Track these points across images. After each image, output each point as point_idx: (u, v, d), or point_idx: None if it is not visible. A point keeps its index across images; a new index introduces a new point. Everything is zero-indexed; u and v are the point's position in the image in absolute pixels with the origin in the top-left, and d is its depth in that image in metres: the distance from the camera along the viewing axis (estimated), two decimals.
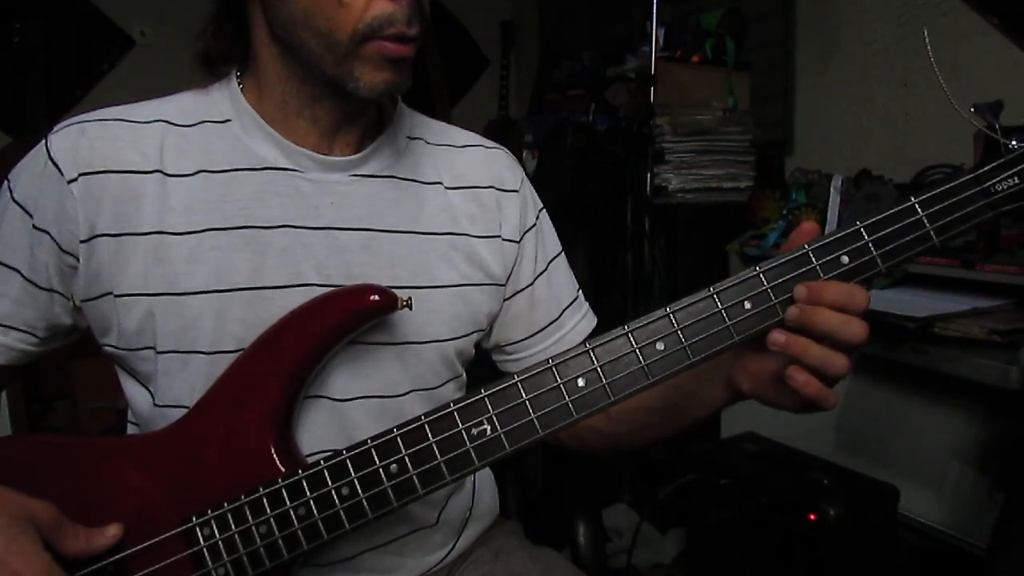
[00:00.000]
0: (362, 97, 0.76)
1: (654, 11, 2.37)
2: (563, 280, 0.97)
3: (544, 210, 0.97)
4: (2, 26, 2.88)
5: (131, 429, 0.89)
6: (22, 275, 0.79)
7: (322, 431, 0.80)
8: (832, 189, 2.06)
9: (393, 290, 0.77)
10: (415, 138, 0.90)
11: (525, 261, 0.92)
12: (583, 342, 0.69)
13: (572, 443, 0.95)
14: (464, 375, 0.93)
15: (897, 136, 2.32)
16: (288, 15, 0.73)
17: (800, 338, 0.66)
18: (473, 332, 0.89)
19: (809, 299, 0.66)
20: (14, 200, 0.78)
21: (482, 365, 0.97)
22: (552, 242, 0.97)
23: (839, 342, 0.65)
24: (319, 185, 0.81)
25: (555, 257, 0.96)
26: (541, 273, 0.94)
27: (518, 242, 0.91)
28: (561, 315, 0.95)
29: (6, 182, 0.80)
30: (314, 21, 0.72)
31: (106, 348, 0.81)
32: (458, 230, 0.87)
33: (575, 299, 0.98)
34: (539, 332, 0.94)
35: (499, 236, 0.90)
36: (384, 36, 0.72)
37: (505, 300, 0.92)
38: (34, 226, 0.77)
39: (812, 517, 1.55)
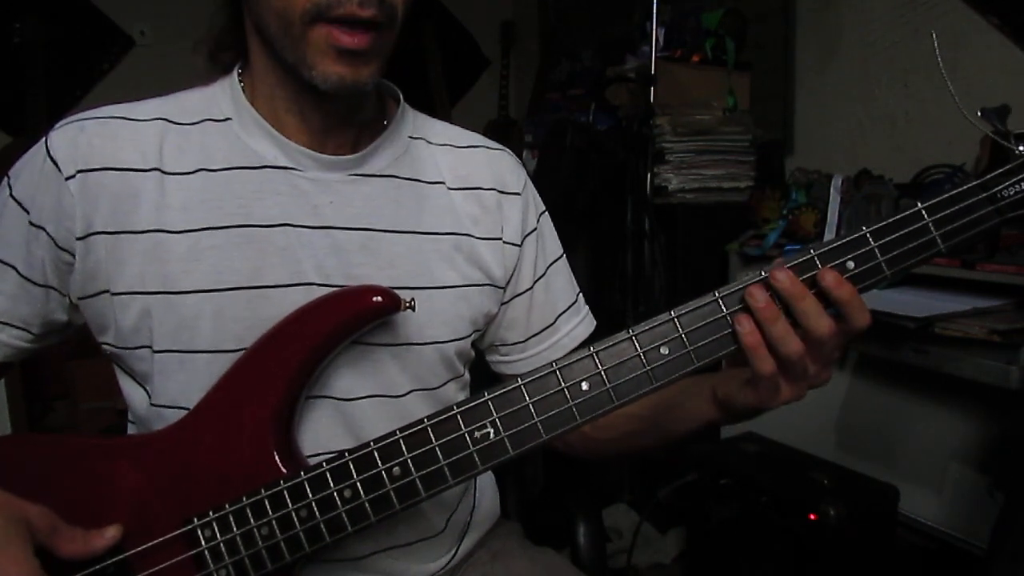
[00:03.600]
0: (319, 91, 0.74)
1: (654, 11, 2.37)
2: (561, 284, 0.97)
3: (546, 213, 0.96)
4: (2, 26, 2.87)
5: (131, 428, 0.89)
6: (18, 271, 0.79)
7: (328, 431, 0.80)
8: (832, 189, 2.06)
9: (396, 291, 0.77)
10: (417, 138, 0.89)
11: (525, 265, 0.92)
12: (588, 346, 0.69)
13: (558, 444, 0.94)
14: (467, 375, 0.93)
15: (897, 136, 2.32)
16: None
17: (774, 307, 0.65)
18: (473, 332, 0.89)
19: (829, 286, 0.65)
20: (12, 197, 0.78)
21: (484, 365, 0.98)
22: (552, 246, 0.97)
23: (805, 326, 0.65)
24: (318, 184, 0.81)
25: (555, 261, 0.96)
26: (540, 278, 0.93)
27: (519, 245, 0.91)
28: (556, 320, 0.95)
29: (6, 179, 0.80)
30: (272, 1, 0.71)
31: (104, 346, 0.82)
32: (461, 230, 0.87)
33: (573, 303, 0.97)
34: (533, 336, 0.94)
35: (500, 239, 0.89)
36: (332, 18, 0.70)
37: (504, 303, 0.92)
38: (30, 222, 0.77)
39: (812, 517, 1.55)
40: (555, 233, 0.98)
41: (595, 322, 0.99)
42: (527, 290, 0.93)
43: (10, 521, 0.68)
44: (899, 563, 1.72)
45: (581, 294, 0.99)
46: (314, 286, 0.79)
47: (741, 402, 0.71)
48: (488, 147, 0.94)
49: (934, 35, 0.68)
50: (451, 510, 0.92)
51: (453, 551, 0.93)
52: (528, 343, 0.94)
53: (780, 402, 0.69)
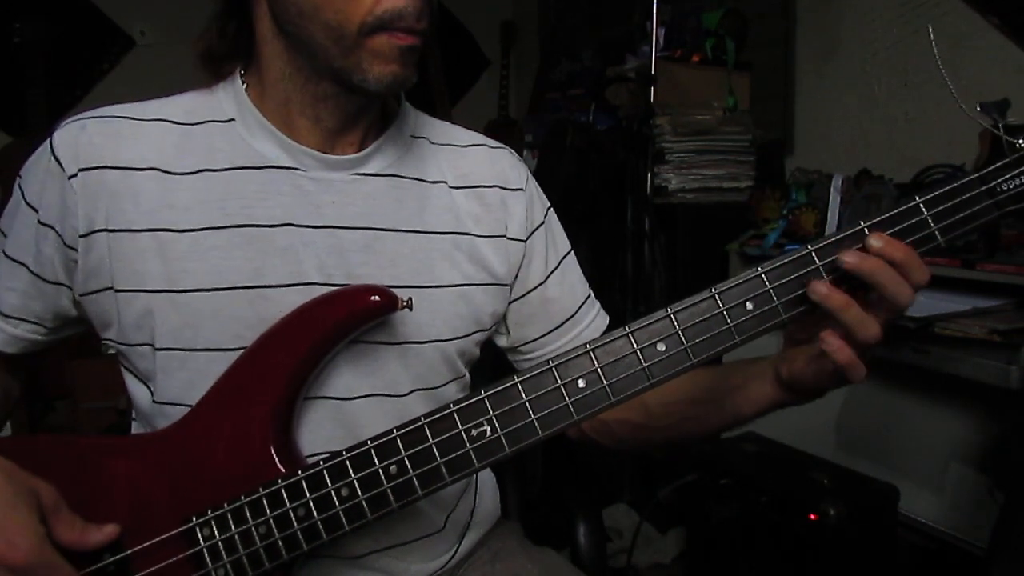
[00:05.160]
0: (369, 91, 0.76)
1: (654, 11, 2.37)
2: (576, 277, 0.97)
3: (552, 208, 0.97)
4: (2, 26, 2.88)
5: (135, 425, 0.89)
6: (29, 269, 0.80)
7: (328, 431, 0.80)
8: (832, 189, 2.06)
9: (393, 290, 0.76)
10: (419, 137, 0.89)
11: (535, 259, 0.92)
12: (584, 343, 0.69)
13: (603, 439, 0.94)
14: (467, 376, 0.93)
15: (897, 136, 2.32)
16: (297, 9, 0.73)
17: (841, 293, 0.65)
18: (476, 332, 0.89)
19: (881, 250, 0.65)
20: (24, 197, 0.80)
21: (485, 366, 0.97)
22: (562, 240, 0.97)
23: (886, 300, 0.65)
24: (321, 183, 0.81)
25: (566, 255, 0.96)
26: (554, 270, 0.94)
27: (525, 241, 0.91)
28: (578, 311, 0.95)
29: (18, 179, 0.81)
30: (323, 14, 0.72)
31: (107, 342, 0.82)
32: (462, 229, 0.87)
33: (589, 296, 0.98)
34: (556, 328, 0.94)
35: (504, 235, 0.89)
36: (393, 29, 0.72)
37: (516, 300, 0.92)
38: (39, 221, 0.78)
39: (812, 517, 1.55)
40: (562, 228, 0.98)
41: (608, 317, 0.99)
42: (540, 284, 0.93)
43: (20, 489, 0.67)
44: (899, 563, 1.72)
45: (591, 290, 1.00)
46: (315, 286, 0.79)
47: (822, 384, 0.71)
48: (489, 145, 0.94)
49: (930, 29, 0.68)
50: (451, 508, 0.92)
51: (453, 550, 0.93)
52: (550, 336, 0.94)
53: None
